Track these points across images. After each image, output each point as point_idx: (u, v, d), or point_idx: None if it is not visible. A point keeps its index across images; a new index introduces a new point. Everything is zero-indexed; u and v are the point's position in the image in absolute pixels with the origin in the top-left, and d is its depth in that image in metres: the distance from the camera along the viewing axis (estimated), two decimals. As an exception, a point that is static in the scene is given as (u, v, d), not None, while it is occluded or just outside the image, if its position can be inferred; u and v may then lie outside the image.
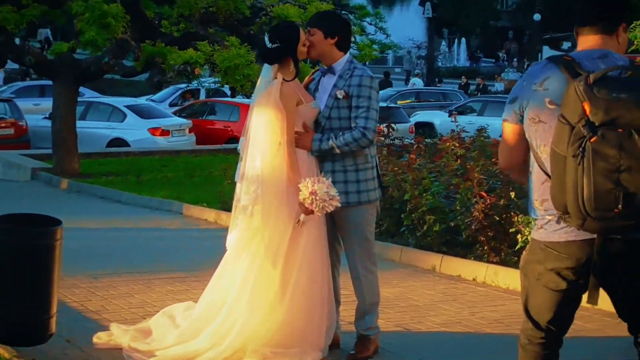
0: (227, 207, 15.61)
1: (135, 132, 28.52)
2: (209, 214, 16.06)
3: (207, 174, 20.99)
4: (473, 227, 11.38)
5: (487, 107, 33.59)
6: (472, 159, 13.59)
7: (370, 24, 49.42)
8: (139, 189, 19.36)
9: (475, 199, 11.42)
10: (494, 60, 73.24)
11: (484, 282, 10.92)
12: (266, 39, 7.80)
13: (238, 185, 7.90)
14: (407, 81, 54.89)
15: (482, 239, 11.37)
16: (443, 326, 9.13)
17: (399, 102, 39.44)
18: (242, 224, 7.84)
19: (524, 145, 5.16)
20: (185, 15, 20.81)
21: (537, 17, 66.73)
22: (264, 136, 7.73)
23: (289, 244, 7.69)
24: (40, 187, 21.01)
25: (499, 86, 55.92)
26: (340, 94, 7.75)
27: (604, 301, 9.46)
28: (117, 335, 8.19)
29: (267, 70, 7.83)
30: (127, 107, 29.51)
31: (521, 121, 5.10)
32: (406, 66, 63.10)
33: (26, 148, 27.59)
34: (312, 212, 7.53)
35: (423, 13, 56.76)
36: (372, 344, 8.03)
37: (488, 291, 10.56)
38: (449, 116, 33.56)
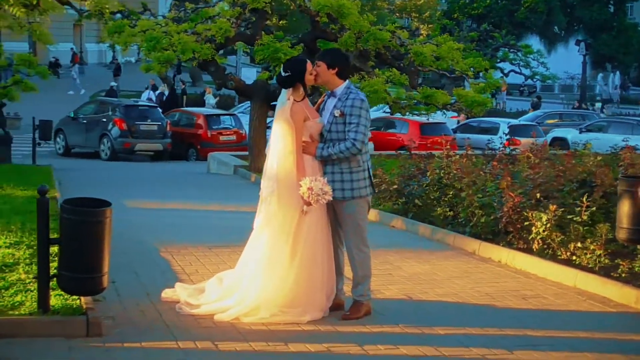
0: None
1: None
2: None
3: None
4: (504, 220, 11.05)
5: (611, 125, 32.30)
6: (543, 167, 13.04)
7: (534, 60, 48.47)
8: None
9: (505, 198, 11.08)
10: (641, 89, 70.65)
11: (506, 264, 10.57)
12: (281, 69, 7.82)
13: (262, 181, 7.94)
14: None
15: (511, 229, 11.03)
16: (442, 296, 8.88)
17: (547, 121, 38.43)
18: (264, 210, 7.87)
19: None
20: (347, 51, 20.81)
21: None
22: (279, 145, 7.77)
23: (297, 226, 7.69)
24: (237, 179, 21.37)
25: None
26: (337, 112, 7.72)
27: (581, 281, 9.11)
28: (179, 291, 8.33)
29: (283, 93, 7.84)
30: (319, 121, 29.64)
31: None
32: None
33: (244, 150, 28.07)
34: (309, 203, 7.53)
35: (578, 51, 55.03)
36: (364, 307, 7.93)
37: (502, 271, 10.22)
38: (579, 132, 32.62)
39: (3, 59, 21.74)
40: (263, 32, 21.25)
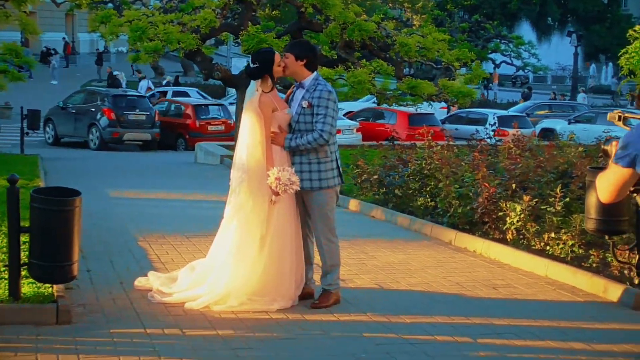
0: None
1: (314, 130, 28.66)
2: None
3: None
4: (479, 211, 11.15)
5: (598, 117, 32.38)
6: (526, 158, 13.16)
7: (525, 51, 48.57)
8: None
9: (480, 189, 11.19)
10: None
11: (480, 254, 10.66)
12: (250, 61, 7.91)
13: (231, 172, 8.03)
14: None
15: (487, 219, 11.12)
16: (412, 286, 8.97)
17: (537, 112, 38.56)
18: (233, 200, 7.96)
19: (631, 185, 4.48)
20: (332, 42, 20.91)
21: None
22: (248, 135, 7.85)
23: (266, 215, 7.77)
24: (223, 169, 21.30)
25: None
26: (305, 103, 7.81)
27: (552, 270, 9.20)
28: (152, 280, 8.42)
29: (252, 85, 7.92)
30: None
31: (633, 165, 4.32)
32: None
33: (232, 140, 28.13)
34: (277, 193, 7.61)
35: (570, 42, 55.13)
36: (333, 296, 8.02)
37: (476, 261, 10.31)
38: (568, 124, 32.71)
39: (-11, 50, 21.71)
40: (250, 23, 21.32)
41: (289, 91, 8.13)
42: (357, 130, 29.39)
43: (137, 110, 28.91)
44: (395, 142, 16.81)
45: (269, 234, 7.78)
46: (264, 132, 7.75)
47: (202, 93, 38.97)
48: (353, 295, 8.38)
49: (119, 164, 23.50)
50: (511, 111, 36.81)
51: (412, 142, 17.93)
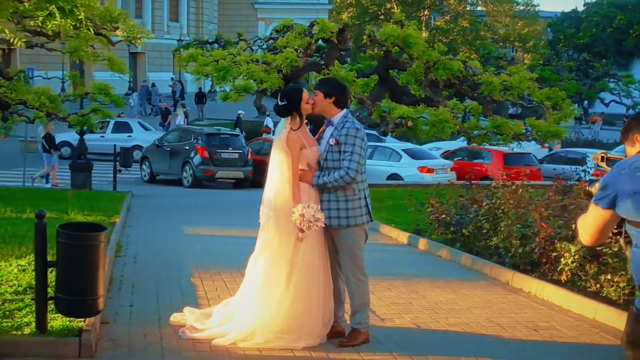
0: (405, 228, 15.59)
1: (408, 169, 28.66)
2: (392, 232, 15.98)
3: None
4: (536, 251, 10.96)
5: None
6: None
7: (635, 90, 47.55)
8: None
9: (537, 229, 11.01)
10: None
11: (534, 295, 10.47)
12: (278, 99, 7.98)
13: (260, 209, 8.08)
14: None
15: (545, 260, 10.92)
16: (450, 326, 8.84)
17: (643, 152, 37.63)
18: (261, 237, 8.01)
19: (612, 227, 4.47)
20: (418, 80, 20.90)
21: None
22: (276, 172, 7.90)
23: (293, 252, 7.80)
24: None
25: None
26: (332, 141, 7.82)
27: (600, 313, 8.96)
28: (187, 316, 8.50)
29: (282, 122, 7.98)
30: (403, 150, 29.74)
31: (613, 206, 4.37)
32: None
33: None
34: (302, 230, 7.63)
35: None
36: (362, 335, 7.97)
37: (528, 302, 10.11)
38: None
39: (81, 89, 22.40)
40: (337, 62, 21.50)
41: (321, 129, 8.16)
42: (451, 170, 29.20)
43: (230, 148, 29.35)
44: (472, 182, 16.63)
45: (296, 271, 7.79)
46: (292, 169, 7.80)
47: (144, 123, 40.07)
48: (385, 335, 8.31)
49: (207, 201, 23.85)
50: (615, 152, 35.98)
51: (492, 181, 17.74)
